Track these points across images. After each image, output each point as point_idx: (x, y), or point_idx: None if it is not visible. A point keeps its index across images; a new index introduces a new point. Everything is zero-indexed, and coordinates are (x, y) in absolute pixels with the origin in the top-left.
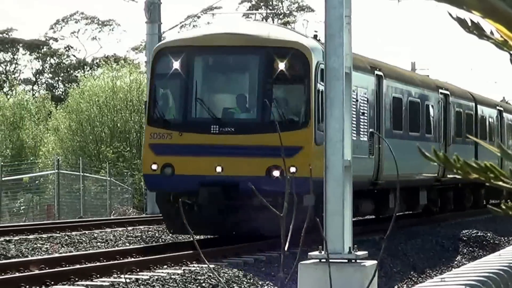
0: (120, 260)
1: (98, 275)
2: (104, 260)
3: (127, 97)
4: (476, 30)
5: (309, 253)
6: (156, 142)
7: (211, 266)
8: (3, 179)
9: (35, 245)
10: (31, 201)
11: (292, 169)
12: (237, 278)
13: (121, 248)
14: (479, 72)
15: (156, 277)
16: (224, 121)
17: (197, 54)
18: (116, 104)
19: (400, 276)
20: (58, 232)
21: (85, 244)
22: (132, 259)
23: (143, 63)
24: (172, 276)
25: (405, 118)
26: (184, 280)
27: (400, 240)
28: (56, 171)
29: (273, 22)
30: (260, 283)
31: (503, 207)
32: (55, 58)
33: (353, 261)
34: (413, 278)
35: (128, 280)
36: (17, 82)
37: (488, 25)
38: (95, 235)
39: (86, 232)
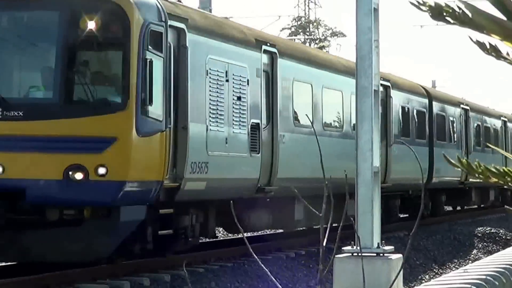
0: None
1: None
2: None
3: None
4: (494, 52)
5: (343, 248)
6: None
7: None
8: None
9: None
10: None
11: (101, 170)
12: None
13: None
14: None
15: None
16: (7, 102)
17: None
18: None
19: (422, 268)
20: None
21: None
22: None
23: None
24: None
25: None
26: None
27: (422, 236)
28: None
29: (310, 46)
30: (299, 274)
31: None
32: None
33: (381, 255)
34: (434, 270)
35: None
36: None
37: (505, 47)
38: None
39: None
